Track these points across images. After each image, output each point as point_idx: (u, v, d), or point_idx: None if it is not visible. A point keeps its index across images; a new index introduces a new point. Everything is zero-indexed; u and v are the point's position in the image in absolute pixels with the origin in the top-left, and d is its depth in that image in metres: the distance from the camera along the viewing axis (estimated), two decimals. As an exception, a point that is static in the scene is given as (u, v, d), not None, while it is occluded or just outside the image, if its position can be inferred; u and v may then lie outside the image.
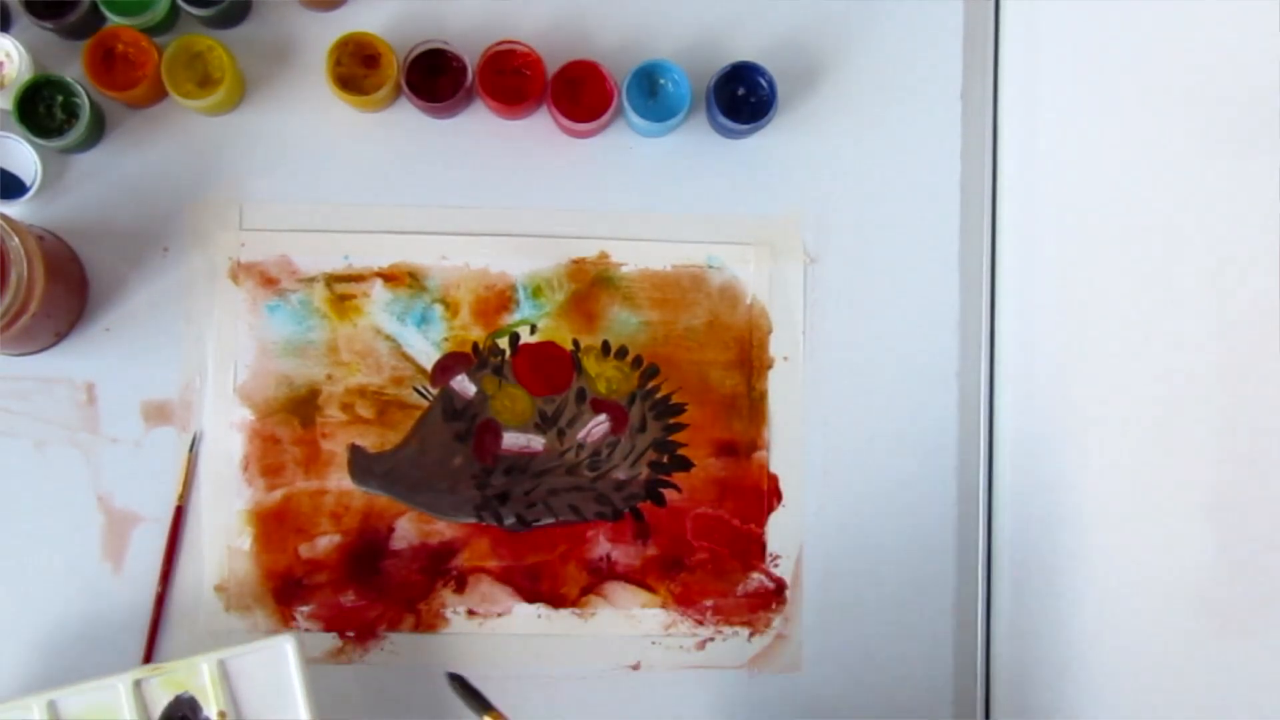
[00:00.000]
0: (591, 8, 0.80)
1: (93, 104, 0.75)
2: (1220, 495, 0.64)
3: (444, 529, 0.78)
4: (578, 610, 0.79)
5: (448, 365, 0.79)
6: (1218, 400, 0.64)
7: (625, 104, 0.77)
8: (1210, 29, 0.64)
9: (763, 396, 0.80)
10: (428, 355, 0.79)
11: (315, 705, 0.71)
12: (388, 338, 0.79)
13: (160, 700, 0.71)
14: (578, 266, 0.80)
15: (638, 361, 0.80)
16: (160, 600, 0.76)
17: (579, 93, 0.78)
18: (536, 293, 0.80)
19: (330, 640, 0.77)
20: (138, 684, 0.70)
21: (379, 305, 0.79)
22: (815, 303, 0.81)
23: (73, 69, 0.76)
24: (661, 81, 0.79)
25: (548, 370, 0.79)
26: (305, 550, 0.78)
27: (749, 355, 0.80)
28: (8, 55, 0.75)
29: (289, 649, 0.71)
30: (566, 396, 0.79)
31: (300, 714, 0.71)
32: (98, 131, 0.77)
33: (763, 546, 0.80)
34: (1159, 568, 0.68)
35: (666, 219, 0.80)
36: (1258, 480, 0.61)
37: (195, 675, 0.71)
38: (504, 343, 0.79)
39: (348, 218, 0.79)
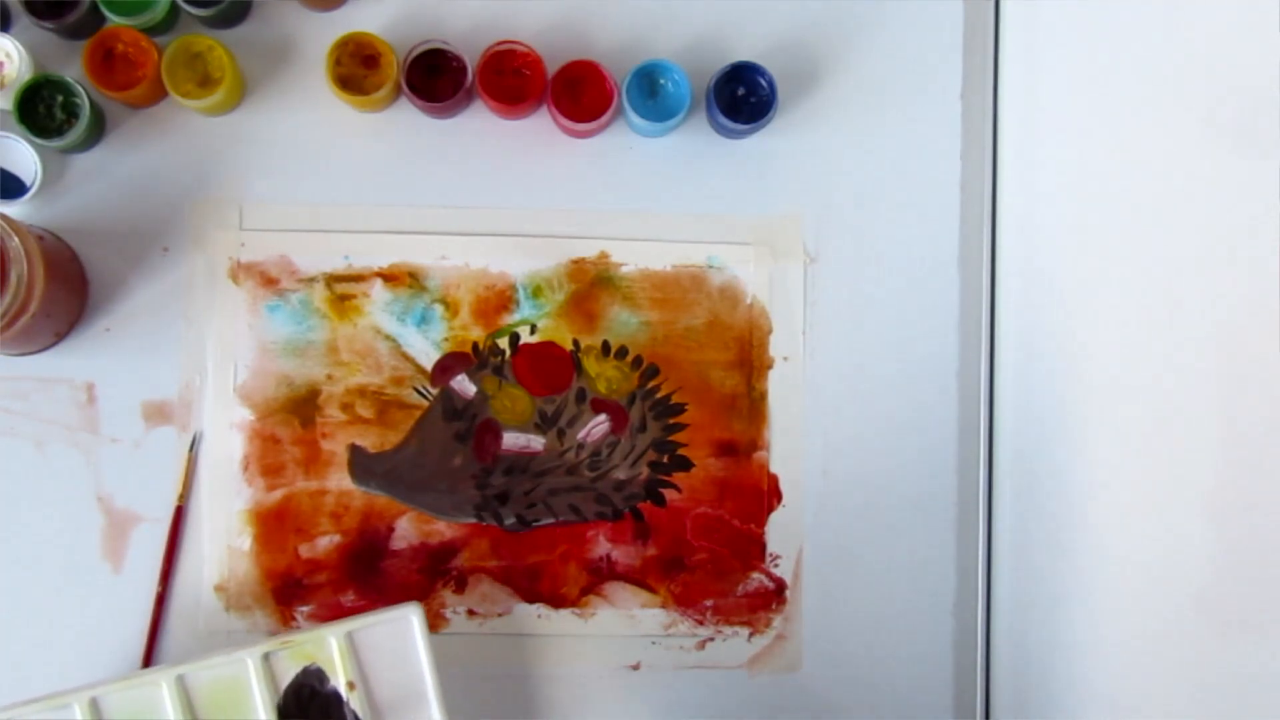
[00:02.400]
0: (591, 8, 0.80)
1: (93, 104, 0.75)
2: (1220, 495, 0.64)
3: (444, 529, 0.78)
4: (578, 610, 0.79)
5: (448, 365, 0.79)
6: (1218, 400, 0.64)
7: (625, 104, 0.77)
8: (1210, 28, 0.64)
9: (763, 396, 0.80)
10: (428, 355, 0.79)
11: (439, 674, 0.71)
12: (388, 338, 0.79)
13: (289, 672, 0.71)
14: (578, 266, 0.80)
15: (638, 361, 0.80)
16: (160, 600, 0.76)
17: (579, 93, 0.78)
18: (536, 293, 0.80)
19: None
20: (266, 657, 0.70)
21: (379, 305, 0.79)
22: (815, 303, 0.81)
23: (73, 69, 0.76)
24: (661, 81, 0.79)
25: (548, 370, 0.79)
26: (305, 550, 0.78)
27: (749, 355, 0.80)
28: (8, 55, 0.75)
29: (414, 619, 0.71)
30: (566, 396, 0.79)
31: (426, 683, 0.71)
32: (98, 131, 0.77)
33: (763, 546, 0.80)
34: (1159, 567, 0.68)
35: (666, 219, 0.80)
36: (1258, 480, 0.61)
37: (323, 647, 0.71)
38: (504, 343, 0.79)
39: (348, 218, 0.79)
